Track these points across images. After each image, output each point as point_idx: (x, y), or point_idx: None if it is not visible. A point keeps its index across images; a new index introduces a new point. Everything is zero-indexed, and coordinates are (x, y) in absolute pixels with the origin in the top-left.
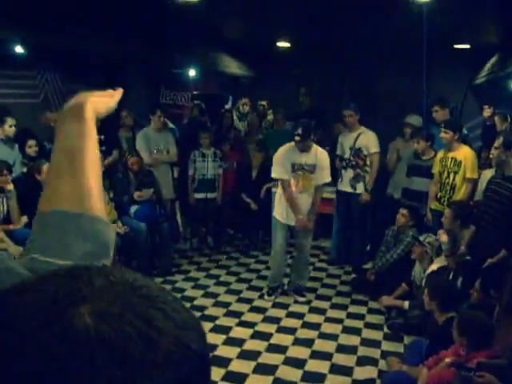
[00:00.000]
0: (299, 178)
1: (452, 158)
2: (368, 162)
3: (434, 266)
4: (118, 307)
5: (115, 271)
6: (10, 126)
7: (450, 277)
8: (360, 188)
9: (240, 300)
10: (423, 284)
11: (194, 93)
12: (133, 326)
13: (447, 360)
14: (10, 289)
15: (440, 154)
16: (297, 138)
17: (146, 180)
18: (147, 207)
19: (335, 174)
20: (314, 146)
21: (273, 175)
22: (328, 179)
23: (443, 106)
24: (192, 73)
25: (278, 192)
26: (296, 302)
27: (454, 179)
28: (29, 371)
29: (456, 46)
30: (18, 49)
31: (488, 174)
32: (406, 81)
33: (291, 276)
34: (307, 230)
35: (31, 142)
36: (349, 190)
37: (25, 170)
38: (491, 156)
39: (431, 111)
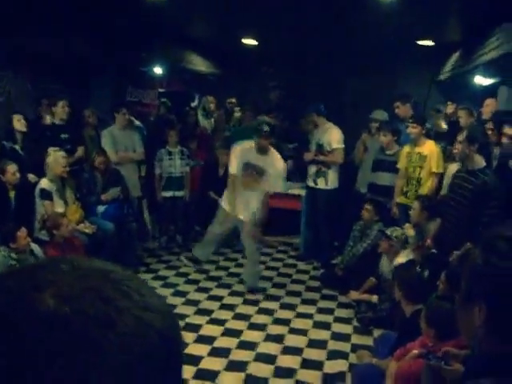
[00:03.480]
0: (247, 177)
1: (418, 153)
2: (331, 157)
3: (400, 259)
4: (80, 289)
5: (83, 260)
6: None
7: (417, 269)
8: (321, 183)
9: (210, 298)
10: (391, 277)
11: (161, 91)
12: (92, 306)
13: (415, 351)
14: None
15: (406, 149)
16: (264, 134)
17: (112, 179)
18: (115, 207)
19: (302, 170)
20: (274, 151)
21: (230, 171)
22: (277, 189)
23: (404, 101)
24: (158, 71)
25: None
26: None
27: (419, 173)
28: None
29: (419, 43)
30: None
31: (452, 168)
32: (373, 78)
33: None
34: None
35: None
36: (311, 184)
37: None
38: (455, 151)
39: (394, 107)
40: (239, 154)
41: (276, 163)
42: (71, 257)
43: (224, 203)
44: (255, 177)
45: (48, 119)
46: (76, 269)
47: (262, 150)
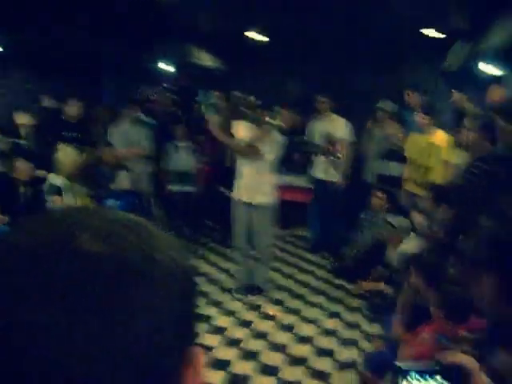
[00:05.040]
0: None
1: (427, 142)
2: (339, 148)
3: (405, 246)
4: (116, 228)
5: (107, 210)
6: None
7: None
8: (333, 174)
9: (222, 289)
10: (397, 264)
11: (165, 86)
12: (130, 243)
13: (425, 335)
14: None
15: (415, 138)
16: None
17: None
18: (124, 200)
19: (309, 162)
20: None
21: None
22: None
23: (414, 89)
24: (165, 66)
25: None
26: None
27: (428, 162)
28: (30, 287)
29: (425, 33)
30: None
31: (459, 155)
32: (380, 69)
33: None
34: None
35: None
36: (322, 176)
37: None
38: (463, 138)
39: (403, 94)
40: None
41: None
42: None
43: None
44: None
45: (47, 102)
46: (105, 213)
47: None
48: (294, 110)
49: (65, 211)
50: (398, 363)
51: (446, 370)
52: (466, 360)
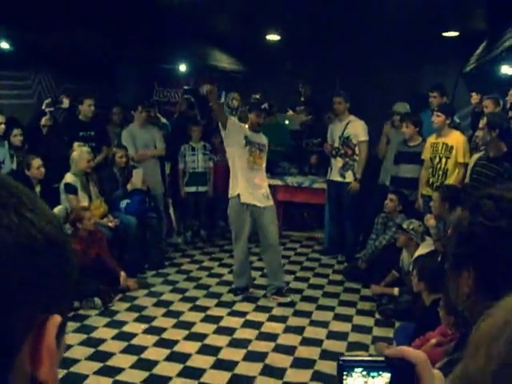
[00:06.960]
0: (253, 154)
1: (443, 143)
2: (357, 151)
3: (420, 251)
4: None
5: None
6: (0, 124)
7: (439, 260)
8: (349, 177)
9: (231, 291)
10: (411, 269)
11: (185, 87)
12: None
13: (433, 340)
14: None
15: (431, 140)
16: (262, 114)
17: (130, 175)
18: (137, 201)
19: (326, 165)
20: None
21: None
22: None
23: (442, 93)
24: (183, 68)
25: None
26: (280, 304)
27: (445, 164)
28: None
29: (445, 34)
30: (4, 45)
31: (476, 157)
32: (397, 70)
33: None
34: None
35: (16, 131)
36: (338, 179)
37: (14, 166)
38: (477, 139)
39: (428, 95)
40: (238, 127)
41: (266, 138)
42: None
43: (234, 194)
44: (260, 154)
45: (65, 103)
46: None
47: (256, 129)
48: (308, 110)
49: None
50: (341, 357)
51: (392, 364)
52: (410, 352)
